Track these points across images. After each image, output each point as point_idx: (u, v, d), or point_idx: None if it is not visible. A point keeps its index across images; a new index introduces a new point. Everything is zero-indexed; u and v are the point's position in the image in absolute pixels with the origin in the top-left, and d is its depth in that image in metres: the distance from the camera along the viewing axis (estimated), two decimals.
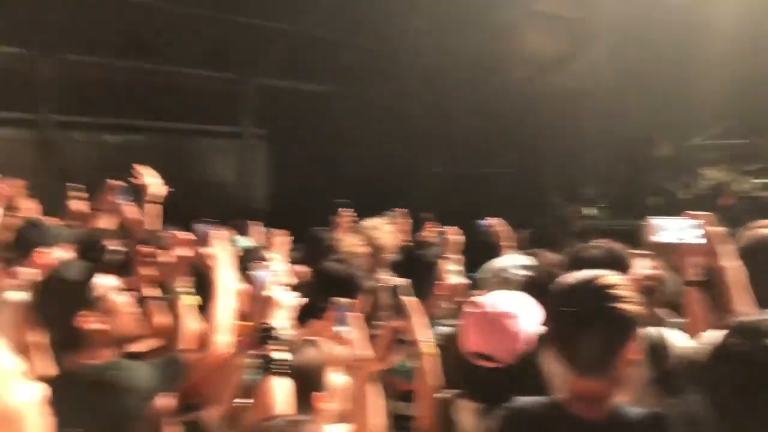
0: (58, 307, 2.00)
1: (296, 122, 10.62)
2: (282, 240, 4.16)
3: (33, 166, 10.63)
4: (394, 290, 2.44)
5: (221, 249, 2.36)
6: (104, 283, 2.09)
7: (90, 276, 2.06)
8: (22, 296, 2.34)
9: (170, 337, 2.39)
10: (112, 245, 3.41)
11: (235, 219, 4.98)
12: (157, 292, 2.49)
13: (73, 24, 9.58)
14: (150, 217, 3.72)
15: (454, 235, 3.86)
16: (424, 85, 9.73)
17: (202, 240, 2.39)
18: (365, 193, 6.19)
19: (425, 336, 2.37)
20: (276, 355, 1.94)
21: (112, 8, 9.45)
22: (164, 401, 2.02)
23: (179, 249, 2.37)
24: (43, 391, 1.16)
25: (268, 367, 1.92)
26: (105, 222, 4.01)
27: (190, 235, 2.42)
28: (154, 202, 3.71)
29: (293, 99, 10.79)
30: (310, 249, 4.11)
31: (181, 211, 3.90)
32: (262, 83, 10.96)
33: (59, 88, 10.21)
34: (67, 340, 1.97)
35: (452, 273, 3.31)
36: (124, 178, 4.06)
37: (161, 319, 2.46)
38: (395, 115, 9.68)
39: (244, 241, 4.20)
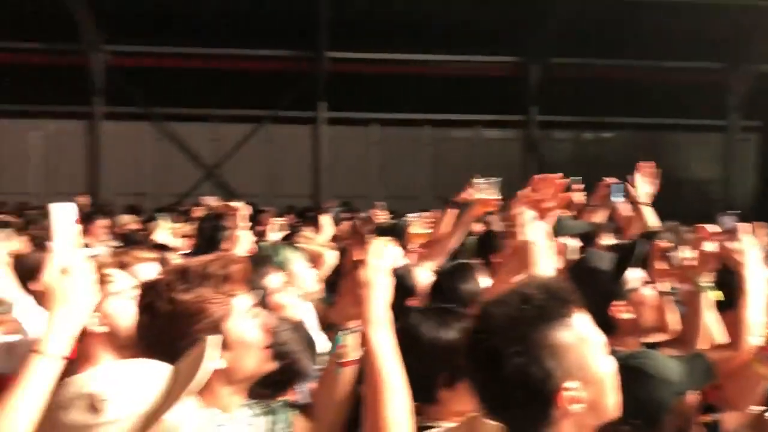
0: (591, 294, 2.13)
1: None
2: None
3: (520, 161, 11.76)
4: None
5: (751, 244, 2.22)
6: (634, 275, 2.16)
7: (622, 268, 2.15)
8: None
9: (687, 332, 2.34)
10: (607, 240, 3.52)
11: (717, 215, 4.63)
12: (668, 287, 2.46)
13: (555, 29, 10.17)
14: (645, 213, 3.72)
15: None
16: None
17: (730, 234, 2.28)
18: None
19: None
20: None
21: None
22: (692, 398, 1.98)
23: (706, 243, 2.31)
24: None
25: None
26: (598, 216, 4.18)
27: (716, 229, 2.34)
28: (645, 203, 3.70)
29: None
30: None
31: (658, 207, 3.81)
32: (757, 70, 9.90)
33: (544, 90, 11.01)
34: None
35: None
36: (602, 173, 4.18)
37: (672, 314, 2.44)
38: None
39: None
